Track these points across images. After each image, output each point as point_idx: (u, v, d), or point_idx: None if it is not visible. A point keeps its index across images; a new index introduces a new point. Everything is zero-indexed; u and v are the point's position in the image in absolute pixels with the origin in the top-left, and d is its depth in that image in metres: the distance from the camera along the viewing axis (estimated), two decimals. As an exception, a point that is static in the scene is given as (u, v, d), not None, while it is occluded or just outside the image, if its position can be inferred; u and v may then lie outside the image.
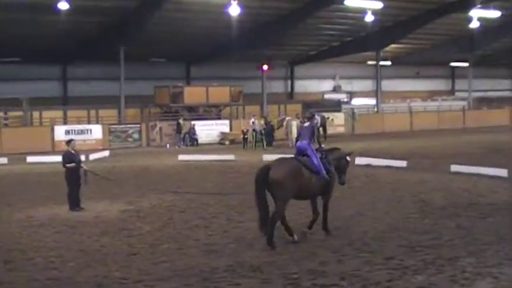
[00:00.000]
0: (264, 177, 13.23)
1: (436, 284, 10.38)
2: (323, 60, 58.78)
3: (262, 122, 40.64)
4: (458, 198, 18.67)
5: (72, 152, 18.70)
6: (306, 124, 15.28)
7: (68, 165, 18.35)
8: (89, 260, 12.51)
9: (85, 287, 10.84)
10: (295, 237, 13.56)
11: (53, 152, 37.04)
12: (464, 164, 25.45)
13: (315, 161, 13.89)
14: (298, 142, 14.80)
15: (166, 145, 41.70)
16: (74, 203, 18.13)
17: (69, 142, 19.22)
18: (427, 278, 10.68)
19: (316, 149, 14.47)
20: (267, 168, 13.40)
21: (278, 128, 40.41)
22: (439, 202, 18.10)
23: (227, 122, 45.56)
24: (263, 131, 39.29)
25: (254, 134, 39.36)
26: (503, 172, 22.86)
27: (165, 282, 10.93)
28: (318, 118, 41.95)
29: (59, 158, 30.98)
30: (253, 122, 40.12)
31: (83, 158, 21.50)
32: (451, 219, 15.53)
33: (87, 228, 15.69)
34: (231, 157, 32.04)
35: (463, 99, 62.36)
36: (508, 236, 13.55)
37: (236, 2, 36.66)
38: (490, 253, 12.19)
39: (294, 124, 39.42)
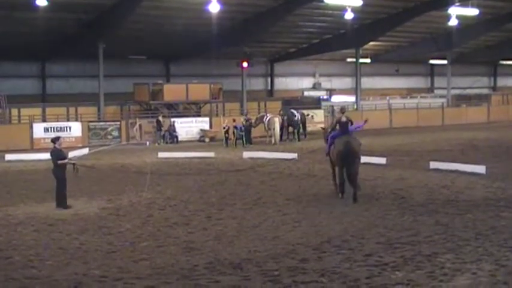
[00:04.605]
0: (349, 150, 17.60)
1: (415, 280, 10.43)
2: (303, 58, 58.83)
3: (242, 119, 40.63)
4: (437, 195, 18.79)
5: (60, 149, 18.50)
6: (344, 119, 18.67)
7: (60, 161, 18.12)
8: (68, 258, 12.44)
9: (64, 285, 10.75)
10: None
11: (32, 150, 36.88)
12: (443, 161, 25.62)
13: None
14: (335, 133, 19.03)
15: (146, 142, 41.53)
16: (63, 200, 17.98)
17: (56, 139, 18.67)
18: (406, 275, 10.73)
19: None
20: (348, 143, 17.71)
21: (257, 125, 40.41)
22: (418, 199, 18.21)
23: (207, 119, 45.45)
24: (243, 129, 39.23)
25: (235, 131, 39.26)
26: (481, 169, 23.06)
27: (144, 279, 10.89)
28: (297, 115, 42.19)
29: (37, 156, 31.27)
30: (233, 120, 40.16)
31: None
32: (430, 216, 15.62)
33: (66, 226, 15.59)
34: (211, 154, 32.01)
35: (442, 96, 62.73)
36: (486, 232, 13.66)
37: (216, -1, 36.59)
38: (468, 249, 12.28)
39: (277, 121, 39.48)
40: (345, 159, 17.78)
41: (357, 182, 17.91)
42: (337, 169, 18.65)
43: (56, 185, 18.13)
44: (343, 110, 19.41)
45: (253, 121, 40.41)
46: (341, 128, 18.78)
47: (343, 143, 17.90)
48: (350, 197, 17.95)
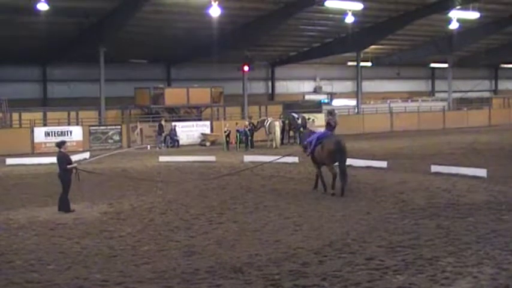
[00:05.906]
0: (343, 147, 19.49)
1: (417, 284, 10.42)
2: (304, 61, 58.89)
3: (247, 123, 40.64)
4: (438, 199, 18.76)
5: (66, 153, 18.44)
6: (332, 123, 20.29)
7: (69, 166, 18.06)
8: (69, 262, 12.43)
9: (65, 289, 10.76)
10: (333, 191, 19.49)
11: (33, 154, 36.90)
12: (444, 165, 25.61)
13: None
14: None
15: (147, 146, 41.53)
16: (66, 204, 17.95)
17: (61, 144, 18.53)
18: (408, 278, 10.72)
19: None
20: (339, 143, 19.45)
21: (258, 129, 40.44)
22: (419, 202, 18.18)
23: (208, 123, 45.48)
24: (248, 132, 39.22)
25: (238, 135, 39.21)
26: (482, 172, 23.03)
27: (146, 284, 10.89)
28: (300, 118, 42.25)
29: (38, 160, 31.29)
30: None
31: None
32: (431, 220, 15.60)
33: (67, 230, 15.59)
34: (211, 158, 32.00)
35: (443, 99, 62.75)
36: (487, 236, 13.65)
37: (216, 3, 36.54)
38: (469, 253, 12.26)
39: (277, 124, 39.52)
40: (338, 157, 19.47)
41: (347, 177, 19.58)
42: (329, 167, 20.02)
43: (61, 189, 18.11)
44: (332, 112, 21.11)
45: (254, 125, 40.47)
46: (328, 128, 20.45)
47: (334, 143, 19.62)
48: (343, 194, 19.36)
